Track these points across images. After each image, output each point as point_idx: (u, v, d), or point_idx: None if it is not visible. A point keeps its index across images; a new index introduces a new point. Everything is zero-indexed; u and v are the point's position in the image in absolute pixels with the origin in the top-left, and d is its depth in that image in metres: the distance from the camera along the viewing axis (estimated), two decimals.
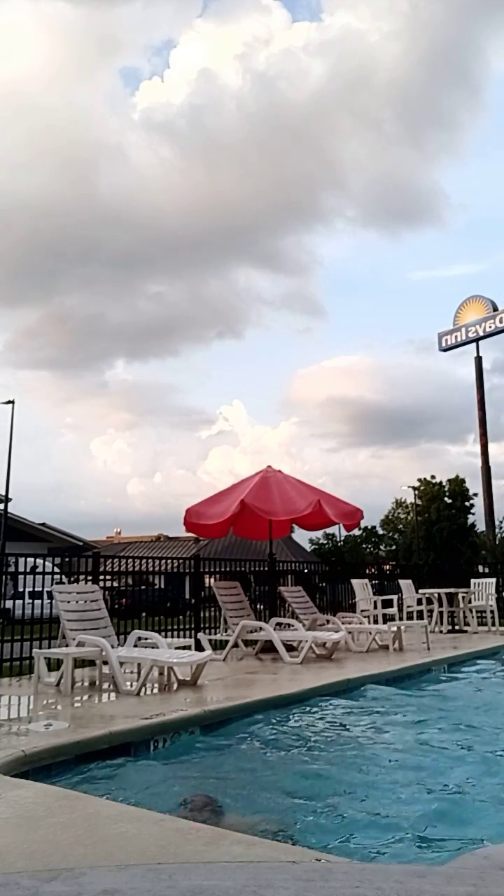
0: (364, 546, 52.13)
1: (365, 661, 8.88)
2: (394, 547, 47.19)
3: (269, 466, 10.91)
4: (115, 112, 64.20)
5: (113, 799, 3.62)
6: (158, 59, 77.67)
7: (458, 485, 33.80)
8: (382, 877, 1.94)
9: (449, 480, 34.35)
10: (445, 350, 31.43)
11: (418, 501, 36.33)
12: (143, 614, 13.16)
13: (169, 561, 11.59)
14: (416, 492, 36.70)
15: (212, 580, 11.85)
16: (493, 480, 28.88)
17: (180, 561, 12.08)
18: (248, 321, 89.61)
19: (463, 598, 13.81)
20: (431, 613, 13.44)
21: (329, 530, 47.64)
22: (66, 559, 11.26)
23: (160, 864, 2.37)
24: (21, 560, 9.43)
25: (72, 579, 10.33)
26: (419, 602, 13.73)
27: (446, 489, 34.02)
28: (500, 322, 29.55)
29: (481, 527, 30.24)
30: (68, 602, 7.74)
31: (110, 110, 63.39)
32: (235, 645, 9.66)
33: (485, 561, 23.08)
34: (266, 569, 12.27)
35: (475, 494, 32.02)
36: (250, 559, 12.86)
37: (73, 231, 64.59)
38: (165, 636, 8.88)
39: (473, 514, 32.74)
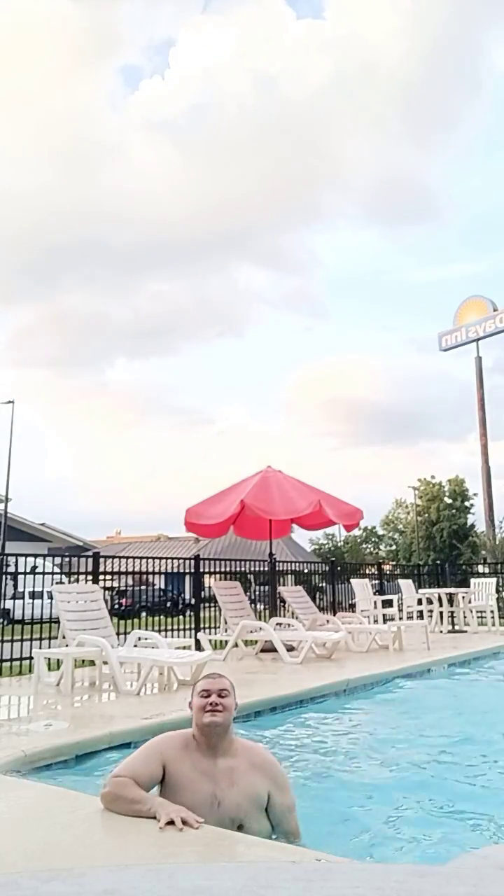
0: (364, 546, 52.10)
1: (365, 662, 8.88)
2: (394, 547, 47.17)
3: (269, 466, 10.91)
4: (115, 110, 64.12)
5: None
6: (159, 57, 77.51)
7: (458, 485, 33.82)
8: (382, 877, 1.94)
9: (449, 480, 34.37)
10: (446, 350, 31.44)
11: (418, 501, 36.33)
12: (143, 614, 13.17)
13: (169, 561, 11.59)
14: (416, 492, 36.71)
15: (212, 580, 11.85)
16: (493, 480, 28.87)
17: (180, 561, 12.08)
18: (249, 320, 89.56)
19: (463, 598, 13.81)
20: (431, 613, 13.44)
21: (329, 530, 47.60)
22: (66, 559, 11.26)
23: (160, 864, 2.37)
24: (21, 560, 9.43)
25: (72, 579, 10.33)
26: (419, 602, 13.74)
27: (446, 489, 34.04)
28: (501, 322, 29.55)
29: (481, 527, 30.22)
30: (68, 602, 7.74)
31: (111, 109, 63.30)
32: (235, 645, 9.67)
33: (485, 561, 23.08)
34: (266, 569, 12.27)
35: (475, 494, 32.04)
36: (250, 559, 12.87)
37: (73, 229, 64.61)
38: (165, 636, 8.88)
39: (473, 514, 32.76)
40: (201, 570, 11.65)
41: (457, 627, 13.50)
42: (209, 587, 11.45)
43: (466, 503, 33.28)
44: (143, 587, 14.34)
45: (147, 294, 76.73)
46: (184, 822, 2.68)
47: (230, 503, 10.09)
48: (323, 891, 1.83)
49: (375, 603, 12.96)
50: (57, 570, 10.64)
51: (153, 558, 11.45)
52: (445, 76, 57.72)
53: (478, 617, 13.68)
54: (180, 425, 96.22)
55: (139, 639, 7.78)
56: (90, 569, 9.86)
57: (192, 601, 12.09)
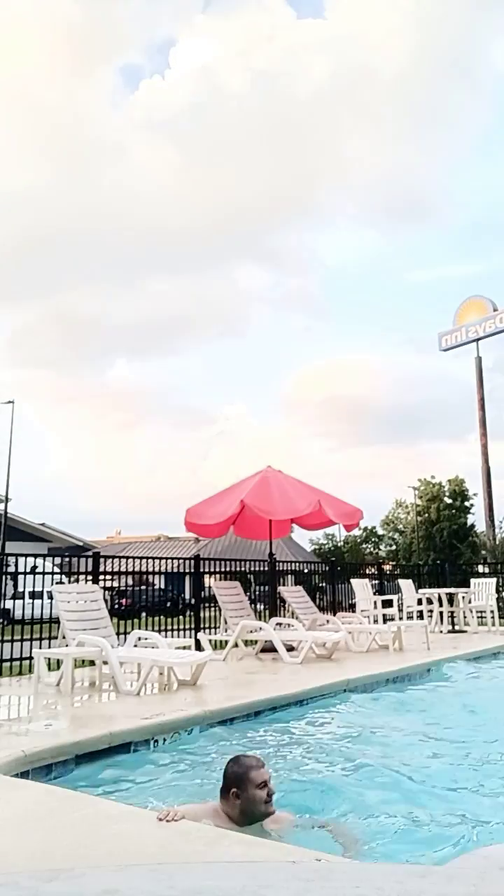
0: (364, 546, 52.10)
1: (365, 661, 8.88)
2: (394, 547, 47.17)
3: (269, 466, 10.90)
4: (116, 110, 64.08)
5: (113, 799, 3.62)
6: (159, 57, 77.37)
7: (458, 485, 33.80)
8: (382, 877, 1.94)
9: (449, 480, 34.35)
10: (446, 350, 31.43)
11: (418, 501, 36.32)
12: (143, 614, 13.17)
13: (169, 561, 11.59)
14: (416, 492, 36.70)
15: (212, 580, 11.85)
16: (493, 480, 28.86)
17: (180, 561, 12.09)
18: (249, 320, 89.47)
19: (463, 598, 13.81)
20: (431, 613, 13.45)
21: (329, 530, 47.62)
22: (66, 559, 11.26)
23: (160, 864, 2.38)
24: (21, 560, 9.43)
25: (72, 579, 10.33)
26: (419, 602, 13.74)
27: (446, 489, 34.03)
28: (501, 322, 29.53)
29: (481, 527, 30.21)
30: (68, 602, 7.74)
31: (111, 108, 63.26)
32: (235, 645, 9.66)
33: (485, 561, 23.08)
34: (266, 569, 12.27)
35: (475, 494, 32.02)
36: (250, 559, 12.87)
37: (74, 229, 64.60)
38: (165, 636, 8.89)
39: (473, 514, 32.73)
40: (201, 570, 11.65)
41: (457, 627, 13.50)
42: (209, 587, 11.45)
43: (466, 503, 33.26)
44: (143, 587, 14.35)
45: (147, 294, 76.70)
46: (173, 817, 2.77)
47: (230, 503, 10.08)
48: (323, 891, 1.83)
49: (375, 603, 12.96)
50: (57, 570, 10.64)
51: (153, 558, 11.46)
52: (445, 76, 57.66)
53: (478, 617, 13.68)
54: (180, 425, 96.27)
55: (139, 639, 7.78)
56: (90, 569, 9.86)
57: (192, 601, 12.09)
